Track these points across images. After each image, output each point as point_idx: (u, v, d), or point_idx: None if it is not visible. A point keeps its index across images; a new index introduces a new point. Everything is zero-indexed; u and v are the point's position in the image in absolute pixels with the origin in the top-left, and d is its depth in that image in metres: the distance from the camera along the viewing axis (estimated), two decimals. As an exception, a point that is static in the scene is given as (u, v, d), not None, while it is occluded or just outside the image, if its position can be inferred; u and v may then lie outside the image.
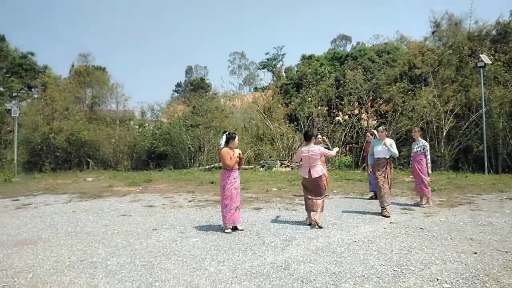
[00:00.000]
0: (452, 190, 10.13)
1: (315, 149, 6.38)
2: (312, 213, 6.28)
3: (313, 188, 6.35)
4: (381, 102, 20.91)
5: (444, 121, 18.05)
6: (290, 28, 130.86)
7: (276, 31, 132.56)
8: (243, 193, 10.71)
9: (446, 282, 3.62)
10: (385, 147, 7.35)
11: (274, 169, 18.23)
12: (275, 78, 38.15)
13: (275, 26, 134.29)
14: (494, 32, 24.27)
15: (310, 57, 38.51)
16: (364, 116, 24.50)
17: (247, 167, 19.72)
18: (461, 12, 47.44)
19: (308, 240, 5.37)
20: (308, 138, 6.51)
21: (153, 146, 23.49)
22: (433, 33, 33.31)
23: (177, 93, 69.64)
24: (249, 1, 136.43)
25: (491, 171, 16.18)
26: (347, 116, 24.52)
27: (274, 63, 58.28)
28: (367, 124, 24.03)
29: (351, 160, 21.09)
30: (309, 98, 22.06)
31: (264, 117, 22.71)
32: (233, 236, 5.73)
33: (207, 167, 20.45)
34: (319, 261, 4.37)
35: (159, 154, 23.70)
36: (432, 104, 18.32)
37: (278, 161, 19.32)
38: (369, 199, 9.15)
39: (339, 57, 37.50)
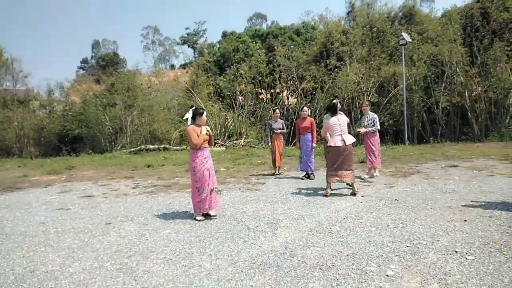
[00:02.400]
0: (392, 161, 10.65)
1: (343, 117, 6.62)
2: (331, 184, 6.46)
3: (345, 158, 6.33)
4: (308, 79, 21.22)
5: (369, 97, 19.04)
6: (208, 5, 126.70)
7: (192, 7, 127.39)
8: (189, 175, 9.96)
9: (467, 254, 3.52)
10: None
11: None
12: (197, 55, 36.72)
13: (190, 1, 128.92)
14: (400, 14, 26.22)
15: (232, 33, 37.73)
16: (285, 94, 24.90)
17: (178, 148, 18.67)
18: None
19: (294, 221, 4.98)
20: (335, 109, 6.58)
21: (66, 129, 20.95)
22: (348, 13, 34.98)
23: (83, 69, 63.38)
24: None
25: (410, 142, 17.60)
26: (269, 94, 24.69)
27: (195, 38, 56.08)
28: (288, 102, 24.50)
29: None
30: (241, 75, 21.49)
31: (194, 95, 21.60)
32: (209, 224, 5.09)
33: (132, 149, 18.83)
34: (323, 244, 4.01)
35: (73, 138, 21.27)
36: (357, 81, 19.15)
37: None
38: (301, 178, 8.52)
39: (260, 34, 37.38)
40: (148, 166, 11.97)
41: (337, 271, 3.31)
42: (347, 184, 6.67)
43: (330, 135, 6.53)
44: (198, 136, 5.36)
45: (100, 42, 69.40)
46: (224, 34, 40.27)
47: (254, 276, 3.32)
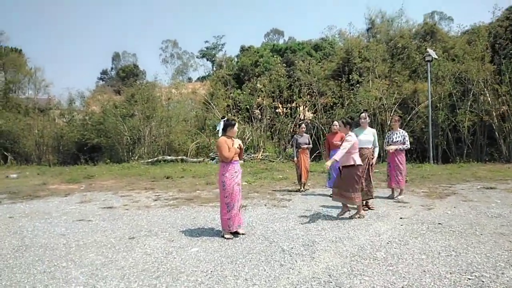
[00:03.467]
0: (422, 181, 10.16)
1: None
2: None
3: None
4: (329, 94, 20.87)
5: (391, 113, 18.57)
6: (225, 20, 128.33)
7: (210, 21, 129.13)
8: (209, 188, 9.70)
9: (542, 291, 3.10)
10: (368, 136, 6.85)
11: (225, 161, 17.20)
12: (215, 68, 36.90)
13: (209, 16, 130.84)
14: (422, 31, 25.85)
15: (250, 48, 37.87)
16: (301, 108, 24.61)
17: (195, 160, 18.46)
18: (393, 10, 50.23)
19: (332, 243, 4.60)
20: (353, 124, 6.25)
21: (85, 138, 20.99)
22: (368, 30, 34.83)
23: (103, 80, 64.38)
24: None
25: (435, 161, 16.99)
26: (286, 109, 24.45)
27: (214, 52, 56.49)
28: (304, 116, 24.17)
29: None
30: (260, 88, 21.36)
31: (213, 107, 21.50)
32: (239, 243, 4.74)
33: (149, 160, 18.70)
34: (370, 272, 3.62)
35: (92, 147, 21.28)
36: (379, 96, 18.73)
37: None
38: (329, 196, 7.87)
39: (279, 49, 37.46)
40: (168, 178, 11.73)
41: (394, 305, 2.92)
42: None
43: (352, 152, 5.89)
44: (229, 149, 5.07)
45: (120, 54, 70.64)
46: (242, 49, 40.54)
47: (299, 307, 2.96)
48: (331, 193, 8.22)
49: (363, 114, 7.10)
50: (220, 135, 5.26)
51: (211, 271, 3.78)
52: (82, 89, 26.32)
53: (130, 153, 20.99)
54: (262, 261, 4.05)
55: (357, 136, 6.88)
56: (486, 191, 8.24)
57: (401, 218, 5.85)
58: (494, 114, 17.24)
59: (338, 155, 5.68)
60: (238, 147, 5.18)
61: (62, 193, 9.19)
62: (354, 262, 3.93)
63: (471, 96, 17.60)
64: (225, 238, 4.96)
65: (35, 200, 8.35)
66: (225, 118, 5.35)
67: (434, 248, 4.28)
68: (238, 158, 5.24)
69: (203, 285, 3.46)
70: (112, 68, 68.89)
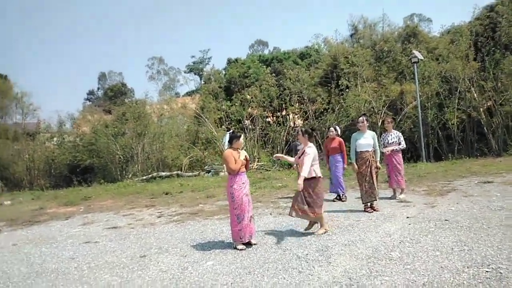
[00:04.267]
0: (420, 179, 10.30)
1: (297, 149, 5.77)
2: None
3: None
4: (319, 101, 21.05)
5: (380, 115, 18.82)
6: (209, 35, 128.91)
7: (194, 36, 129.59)
8: (211, 201, 9.68)
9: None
10: (368, 139, 6.94)
11: (221, 174, 17.19)
12: (203, 82, 37.03)
13: (193, 31, 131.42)
14: (405, 34, 26.36)
15: (236, 60, 38.10)
16: (291, 116, 24.83)
17: (190, 174, 18.39)
18: (375, 16, 51.15)
19: (345, 247, 4.64)
20: (311, 134, 5.70)
21: (77, 160, 20.76)
22: (351, 35, 35.44)
23: (90, 101, 63.89)
24: (163, 7, 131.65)
25: (428, 160, 17.22)
26: (275, 117, 24.62)
27: (201, 66, 56.71)
28: (294, 123, 24.37)
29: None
30: (251, 99, 21.52)
31: (205, 120, 21.53)
32: (252, 254, 4.75)
33: (144, 177, 18.55)
34: (389, 272, 3.66)
35: (84, 168, 21.05)
36: (369, 100, 19.00)
37: (224, 165, 18.25)
38: (332, 201, 8.17)
39: (265, 60, 37.80)
40: (167, 194, 11.66)
41: (420, 303, 2.97)
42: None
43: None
44: (235, 160, 5.11)
45: (106, 73, 70.39)
46: (229, 61, 40.77)
47: (326, 312, 2.98)
48: (334, 197, 8.37)
49: (360, 118, 7.18)
50: (226, 147, 5.29)
51: (231, 283, 3.78)
52: (72, 111, 25.99)
53: (124, 172, 20.82)
54: (280, 270, 4.06)
55: (357, 139, 6.99)
56: (484, 185, 8.40)
57: (407, 217, 5.93)
58: (481, 109, 17.63)
59: (304, 171, 5.17)
60: (244, 159, 5.22)
61: (62, 217, 9.06)
62: (371, 263, 3.97)
63: (457, 94, 17.99)
64: (238, 249, 4.96)
65: (36, 225, 8.21)
66: (231, 131, 5.43)
67: (446, 244, 4.35)
68: (245, 170, 5.27)
69: (226, 297, 3.46)
70: (98, 88, 68.53)
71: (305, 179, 5.24)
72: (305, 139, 5.55)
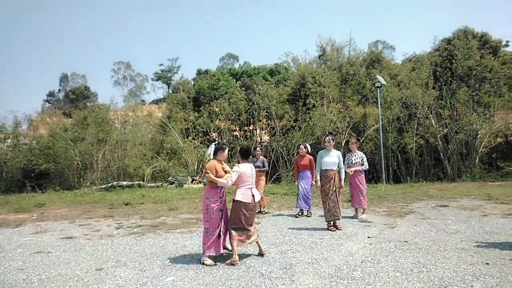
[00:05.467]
0: (380, 200, 10.62)
1: (253, 165, 5.39)
2: (240, 246, 5.06)
3: (253, 214, 5.19)
4: (287, 118, 21.34)
5: (344, 136, 19.35)
6: (179, 44, 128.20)
7: (164, 44, 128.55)
8: (174, 213, 9.45)
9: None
10: (333, 158, 7.09)
11: (185, 186, 16.90)
12: (171, 91, 36.62)
13: (162, 38, 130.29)
14: (369, 59, 27.53)
15: (206, 71, 38.08)
16: (258, 131, 25.05)
17: (153, 185, 17.91)
18: (342, 39, 52.87)
19: (308, 265, 4.65)
20: (248, 154, 5.28)
21: (32, 164, 19.69)
22: (319, 57, 36.50)
23: (49, 103, 61.21)
24: (132, 12, 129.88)
25: (388, 181, 17.84)
26: (242, 131, 24.76)
27: (169, 75, 55.99)
28: (261, 139, 24.59)
29: None
30: (219, 111, 21.47)
31: (171, 130, 21.17)
32: (215, 269, 4.64)
33: (103, 186, 17.86)
34: (351, 292, 3.71)
35: (39, 173, 19.97)
36: (334, 120, 19.49)
37: (188, 177, 18.01)
38: (295, 216, 8.34)
39: (235, 73, 38.07)
40: (127, 204, 11.26)
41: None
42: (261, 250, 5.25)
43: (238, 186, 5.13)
44: (217, 172, 5.05)
45: (69, 75, 67.75)
46: (199, 72, 40.69)
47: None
48: (297, 212, 8.44)
49: (327, 138, 7.32)
50: (210, 158, 5.29)
51: (192, 300, 3.67)
52: (29, 112, 24.62)
53: (82, 179, 19.99)
54: (243, 287, 3.99)
55: (322, 157, 7.11)
56: (440, 208, 8.78)
57: (368, 237, 6.06)
58: (438, 136, 18.60)
59: (220, 182, 4.97)
60: (224, 171, 5.17)
61: (12, 224, 8.49)
62: (334, 283, 4.00)
63: (417, 119, 18.90)
64: (206, 264, 4.82)
65: (-19, 232, 7.64)
66: (216, 142, 5.47)
67: (406, 265, 4.47)
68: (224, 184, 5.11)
69: (187, 315, 3.34)
70: (59, 90, 65.76)
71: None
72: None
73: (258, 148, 9.57)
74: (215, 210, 5.02)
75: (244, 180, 5.08)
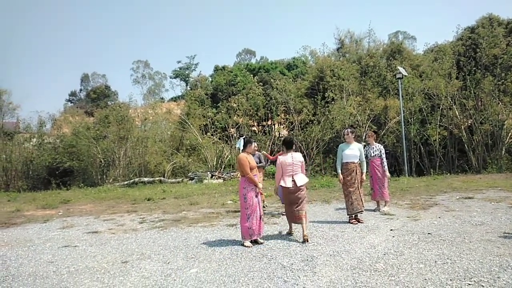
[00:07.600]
0: (403, 193, 10.45)
1: (298, 155, 5.85)
2: (293, 225, 6.02)
3: (296, 198, 5.70)
4: (305, 112, 21.17)
5: (365, 129, 19.08)
6: (197, 41, 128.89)
7: (181, 41, 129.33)
8: (195, 208, 9.57)
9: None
10: (354, 150, 7.00)
11: (205, 181, 17.07)
12: (189, 88, 36.89)
13: (180, 36, 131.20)
14: (389, 50, 26.96)
15: (224, 68, 38.22)
16: (277, 126, 24.99)
17: (174, 181, 18.17)
18: (361, 31, 52.15)
19: (330, 257, 4.64)
20: (290, 145, 5.87)
21: (56, 162, 20.26)
22: (338, 49, 36.00)
23: (71, 102, 62.70)
24: (151, 13, 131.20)
25: (410, 174, 17.51)
26: (261, 126, 24.78)
27: (187, 72, 56.46)
28: (279, 133, 24.50)
29: None
30: (237, 107, 21.54)
31: (190, 126, 21.40)
32: (237, 262, 4.69)
33: (125, 182, 18.25)
34: (374, 283, 3.67)
35: (64, 171, 20.55)
36: (354, 113, 19.25)
37: (208, 172, 18.17)
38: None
39: (252, 69, 38.00)
40: (149, 200, 11.47)
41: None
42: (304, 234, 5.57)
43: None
44: (249, 163, 5.52)
45: (90, 75, 69.23)
46: (216, 68, 40.83)
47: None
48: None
49: (345, 130, 7.25)
50: (240, 151, 5.89)
51: (215, 292, 3.72)
52: (53, 112, 25.34)
53: (104, 176, 20.43)
54: (265, 279, 4.02)
55: (343, 150, 7.06)
56: (465, 201, 8.58)
57: (391, 229, 5.99)
58: (463, 127, 18.11)
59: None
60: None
61: (40, 219, 8.79)
62: (356, 274, 3.98)
63: (440, 111, 18.45)
64: (245, 246, 5.33)
65: (12, 227, 7.94)
66: (244, 136, 5.82)
67: (430, 257, 4.40)
68: (257, 172, 5.73)
69: (210, 305, 3.39)
70: (81, 90, 67.29)
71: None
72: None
73: (254, 143, 9.38)
74: (252, 197, 5.52)
75: (285, 169, 5.68)
